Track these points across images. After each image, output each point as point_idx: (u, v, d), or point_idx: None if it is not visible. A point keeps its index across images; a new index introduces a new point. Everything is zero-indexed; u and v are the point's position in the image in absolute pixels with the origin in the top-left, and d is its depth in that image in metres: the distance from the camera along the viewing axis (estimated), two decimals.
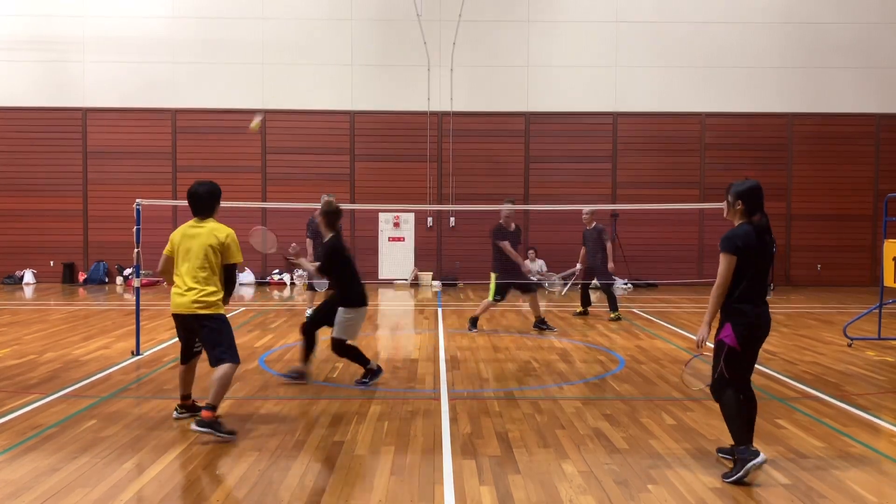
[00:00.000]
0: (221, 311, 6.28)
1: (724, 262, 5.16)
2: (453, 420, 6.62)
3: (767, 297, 5.33)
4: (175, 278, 6.35)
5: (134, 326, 9.64)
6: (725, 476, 5.18)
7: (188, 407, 6.62)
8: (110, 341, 10.47)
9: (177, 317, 6.33)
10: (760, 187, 5.33)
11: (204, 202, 6.39)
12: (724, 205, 5.42)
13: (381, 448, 5.84)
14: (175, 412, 6.64)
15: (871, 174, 19.84)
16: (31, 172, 19.37)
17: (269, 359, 9.35)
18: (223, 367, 6.15)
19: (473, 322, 11.73)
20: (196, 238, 6.28)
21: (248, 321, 12.49)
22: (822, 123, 19.77)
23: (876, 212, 19.35)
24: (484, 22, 19.41)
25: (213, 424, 6.01)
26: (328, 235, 7.90)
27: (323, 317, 8.01)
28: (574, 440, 6.07)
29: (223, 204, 6.27)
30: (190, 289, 6.19)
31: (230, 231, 6.38)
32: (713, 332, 5.33)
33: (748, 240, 5.17)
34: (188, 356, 6.56)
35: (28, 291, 17.52)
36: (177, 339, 10.43)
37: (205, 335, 6.22)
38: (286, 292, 17.74)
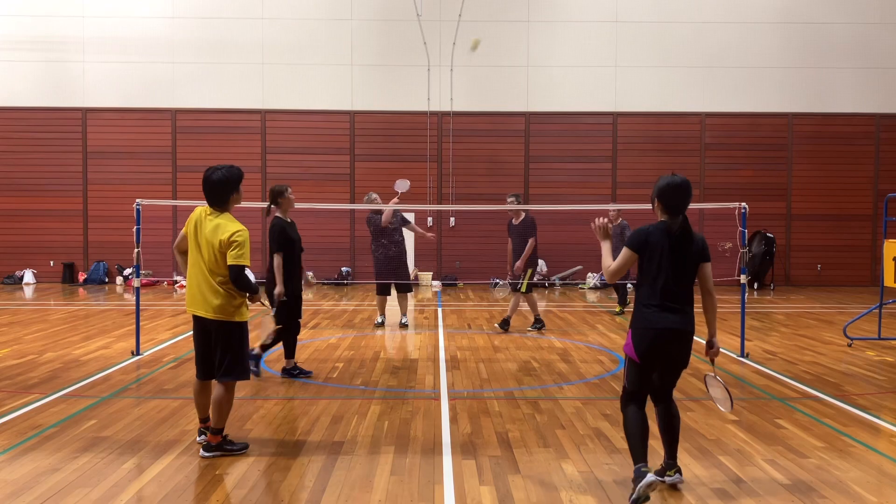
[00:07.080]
0: (240, 318, 5.62)
1: (622, 255, 4.94)
2: (453, 420, 6.63)
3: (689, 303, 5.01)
4: (189, 269, 5.62)
5: (134, 326, 9.64)
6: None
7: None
8: (110, 341, 10.47)
9: (194, 318, 5.68)
10: (677, 185, 5.01)
11: (214, 191, 5.54)
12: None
13: (381, 448, 5.84)
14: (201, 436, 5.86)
15: (871, 174, 19.83)
16: (31, 172, 19.36)
17: (270, 359, 9.35)
18: (226, 385, 5.60)
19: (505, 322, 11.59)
20: (204, 231, 5.52)
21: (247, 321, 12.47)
22: (822, 123, 19.75)
23: (876, 212, 19.33)
24: (484, 22, 19.39)
25: (223, 446, 5.64)
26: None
27: None
28: (574, 440, 6.07)
29: None
30: (209, 289, 5.51)
31: (239, 229, 5.47)
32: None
33: (653, 237, 4.91)
34: (206, 370, 5.73)
35: (28, 291, 17.51)
36: (177, 339, 10.55)
37: (219, 342, 5.60)
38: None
